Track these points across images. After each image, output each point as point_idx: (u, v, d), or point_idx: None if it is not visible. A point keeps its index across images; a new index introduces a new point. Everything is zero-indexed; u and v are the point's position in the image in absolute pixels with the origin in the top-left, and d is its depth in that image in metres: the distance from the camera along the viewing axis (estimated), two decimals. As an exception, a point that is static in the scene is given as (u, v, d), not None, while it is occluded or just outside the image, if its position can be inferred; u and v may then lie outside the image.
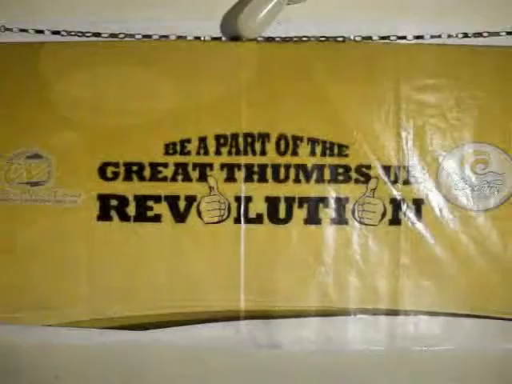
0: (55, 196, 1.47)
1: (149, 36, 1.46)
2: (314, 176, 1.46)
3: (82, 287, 1.47)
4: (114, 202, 1.47)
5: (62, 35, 1.47)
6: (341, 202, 1.46)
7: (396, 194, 1.45)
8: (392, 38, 1.45)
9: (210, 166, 1.46)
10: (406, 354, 1.47)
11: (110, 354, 1.49)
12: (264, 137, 1.46)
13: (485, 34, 1.43)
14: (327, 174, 1.46)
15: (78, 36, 1.47)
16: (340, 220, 1.46)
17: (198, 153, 1.46)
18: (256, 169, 1.46)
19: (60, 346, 1.48)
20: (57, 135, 1.48)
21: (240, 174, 1.46)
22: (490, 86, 1.45)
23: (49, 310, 1.47)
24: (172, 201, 1.47)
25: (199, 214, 1.46)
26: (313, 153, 1.46)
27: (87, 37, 1.47)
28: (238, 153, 1.46)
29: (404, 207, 1.45)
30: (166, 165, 1.46)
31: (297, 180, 1.46)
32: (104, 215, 1.47)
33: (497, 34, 1.43)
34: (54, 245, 1.47)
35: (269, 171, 1.46)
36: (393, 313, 1.46)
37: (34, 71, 1.47)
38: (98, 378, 1.50)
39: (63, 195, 1.47)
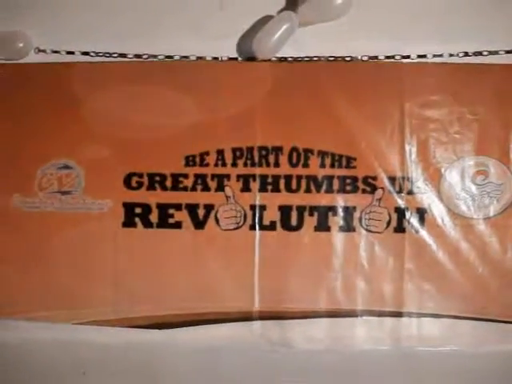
0: (84, 204, 1.52)
1: (171, 57, 1.52)
2: (324, 186, 1.50)
3: (107, 289, 1.52)
4: (138, 210, 1.51)
5: (91, 56, 1.53)
6: (348, 211, 1.50)
7: (400, 203, 1.49)
8: (397, 57, 1.50)
9: (227, 176, 1.49)
10: (410, 354, 1.49)
11: (132, 352, 1.53)
12: (277, 150, 1.50)
13: (485, 53, 1.48)
14: (336, 185, 1.49)
15: (106, 57, 1.53)
16: (348, 227, 1.49)
17: (216, 164, 1.50)
18: (270, 179, 1.50)
19: (86, 343, 1.52)
20: (86, 148, 1.53)
21: (255, 185, 1.50)
22: (490, 102, 1.48)
23: (76, 309, 1.52)
24: (192, 209, 1.50)
25: (217, 221, 1.50)
26: (323, 165, 1.49)
27: (114, 57, 1.53)
28: (253, 165, 1.50)
29: (408, 216, 1.49)
30: (186, 176, 1.50)
31: (308, 190, 1.50)
32: (129, 222, 1.51)
33: (496, 52, 1.47)
34: (82, 249, 1.52)
35: (282, 182, 1.49)
36: (397, 315, 1.49)
37: (65, 89, 1.53)
38: (122, 373, 1.54)
39: (91, 203, 1.52)
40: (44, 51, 1.54)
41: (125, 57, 1.53)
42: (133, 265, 1.52)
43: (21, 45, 1.51)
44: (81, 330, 1.52)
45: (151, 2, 1.53)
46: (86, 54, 1.53)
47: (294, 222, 1.50)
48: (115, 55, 1.53)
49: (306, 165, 1.49)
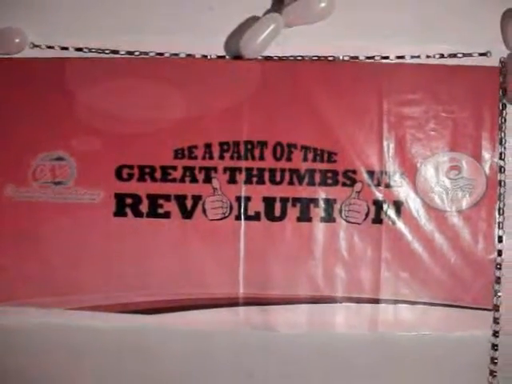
0: (76, 194, 1.54)
1: (161, 54, 1.54)
2: (306, 179, 1.52)
3: (99, 276, 1.54)
4: (128, 200, 1.53)
5: (85, 52, 1.54)
6: (329, 203, 1.52)
7: (378, 196, 1.52)
8: (376, 57, 1.52)
9: (215, 169, 1.52)
10: (386, 338, 1.53)
11: (123, 336, 1.55)
12: (262, 144, 1.52)
13: (459, 55, 1.51)
14: (318, 178, 1.52)
15: (99, 53, 1.54)
16: (328, 218, 1.52)
17: (204, 158, 1.52)
18: (255, 172, 1.52)
19: (79, 328, 1.54)
20: (78, 140, 1.54)
21: (241, 177, 1.52)
22: (464, 101, 1.51)
23: (70, 295, 1.54)
24: (180, 200, 1.53)
25: (204, 211, 1.52)
26: (305, 159, 1.52)
27: (106, 54, 1.54)
28: (239, 158, 1.52)
29: (385, 208, 1.52)
30: (175, 168, 1.52)
31: (291, 182, 1.52)
32: (120, 211, 1.53)
33: (470, 55, 1.51)
34: (75, 238, 1.54)
35: (266, 174, 1.52)
36: (375, 301, 1.52)
37: (59, 83, 1.54)
38: (113, 356, 1.56)
39: (83, 194, 1.54)
40: (39, 46, 1.55)
41: (117, 53, 1.54)
42: (124, 253, 1.53)
43: (17, 40, 1.52)
44: (74, 315, 1.54)
45: (143, 2, 1.54)
46: (79, 49, 1.54)
47: (277, 212, 1.52)
48: (107, 51, 1.54)
49: (289, 159, 1.52)
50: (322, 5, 1.41)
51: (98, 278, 1.54)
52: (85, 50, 1.55)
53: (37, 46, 1.55)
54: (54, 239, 1.55)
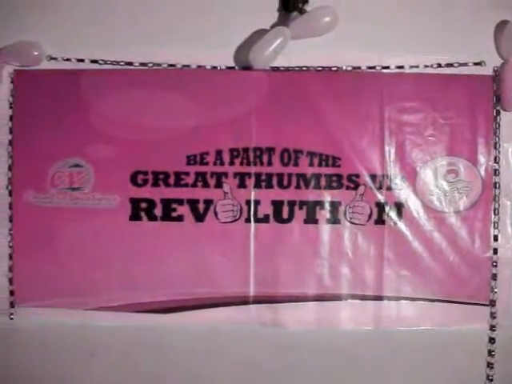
0: (93, 200, 1.56)
1: (173, 65, 1.55)
2: (312, 183, 1.55)
3: (115, 277, 1.56)
4: (143, 205, 1.56)
5: (100, 63, 1.56)
6: (334, 205, 1.55)
7: (380, 198, 1.55)
8: (377, 67, 1.55)
9: (225, 174, 1.55)
10: (389, 333, 1.56)
11: (138, 335, 1.58)
12: (270, 150, 1.55)
13: (455, 65, 1.54)
14: (323, 182, 1.55)
15: (113, 64, 1.56)
16: (334, 220, 1.55)
17: (215, 164, 1.55)
18: (264, 177, 1.55)
19: (96, 327, 1.58)
20: (94, 148, 1.56)
21: (250, 182, 1.55)
22: (460, 108, 1.54)
23: (87, 296, 1.56)
24: (193, 204, 1.55)
25: (216, 214, 1.55)
26: (311, 164, 1.54)
27: (121, 65, 1.56)
28: (248, 164, 1.55)
29: (387, 209, 1.54)
30: (187, 173, 1.55)
31: (298, 186, 1.55)
32: (135, 216, 1.56)
33: (465, 64, 1.53)
34: (92, 241, 1.56)
35: (274, 179, 1.55)
36: (378, 298, 1.55)
37: (76, 94, 1.55)
38: (129, 354, 1.60)
39: (100, 199, 1.56)
40: (56, 59, 1.56)
41: (131, 65, 1.55)
42: (139, 255, 1.56)
43: (35, 53, 1.54)
44: (90, 315, 1.57)
45: (156, 16, 1.55)
46: (94, 61, 1.56)
47: (285, 215, 1.55)
48: (122, 63, 1.56)
49: (296, 164, 1.55)
50: (327, 19, 1.44)
51: (114, 280, 1.57)
52: (100, 61, 1.56)
53: (54, 59, 1.56)
54: (72, 242, 1.56)
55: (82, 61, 1.58)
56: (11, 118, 1.59)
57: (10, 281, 1.60)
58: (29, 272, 1.58)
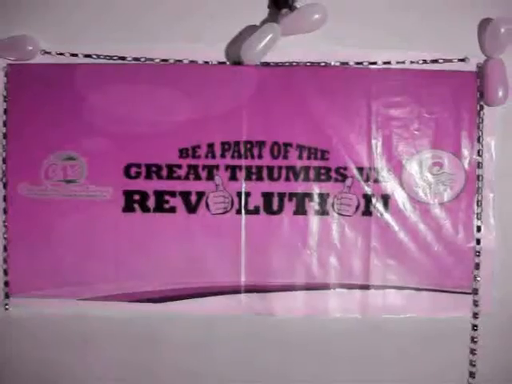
0: (87, 192, 1.58)
1: (166, 60, 1.57)
2: (301, 176, 1.58)
3: (109, 267, 1.58)
4: (136, 197, 1.58)
5: (93, 58, 1.57)
6: (323, 197, 1.58)
7: (367, 190, 1.58)
8: (365, 63, 1.57)
9: (217, 167, 1.57)
10: (376, 321, 1.60)
11: (133, 324, 1.61)
12: (261, 144, 1.57)
13: (440, 61, 1.57)
14: (312, 174, 1.57)
15: (107, 59, 1.57)
16: (322, 211, 1.58)
17: (207, 156, 1.57)
18: (254, 170, 1.57)
19: (91, 317, 1.60)
20: (88, 141, 1.57)
21: (241, 174, 1.57)
22: (445, 103, 1.57)
23: (82, 286, 1.59)
24: (185, 195, 1.58)
25: (207, 206, 1.58)
26: (300, 157, 1.57)
27: (114, 60, 1.57)
28: (239, 157, 1.57)
29: (374, 201, 1.58)
30: (180, 166, 1.57)
31: (287, 179, 1.58)
32: (128, 207, 1.58)
33: (450, 60, 1.57)
34: (86, 232, 1.58)
35: (264, 172, 1.57)
36: (365, 287, 1.59)
37: (69, 88, 1.57)
38: (124, 343, 1.62)
39: (94, 191, 1.58)
40: (49, 53, 1.57)
41: (124, 59, 1.57)
42: (132, 246, 1.58)
43: (29, 48, 1.55)
44: (86, 305, 1.59)
45: (150, 13, 1.57)
46: (88, 56, 1.57)
47: (275, 206, 1.58)
48: (115, 58, 1.57)
49: (285, 157, 1.58)
50: (316, 16, 1.47)
51: (109, 270, 1.59)
52: (93, 56, 1.57)
53: (47, 53, 1.57)
54: (66, 234, 1.58)
55: (76, 55, 1.59)
56: (5, 112, 1.60)
57: (5, 272, 1.62)
58: (23, 263, 1.60)
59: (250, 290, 1.59)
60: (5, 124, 1.60)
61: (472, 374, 1.62)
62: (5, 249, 1.61)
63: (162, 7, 1.58)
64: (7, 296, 1.62)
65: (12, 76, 1.60)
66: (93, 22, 1.58)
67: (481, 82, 1.57)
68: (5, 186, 1.60)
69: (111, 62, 1.59)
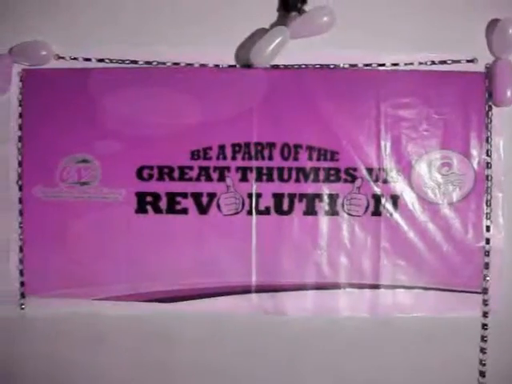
0: (101, 194, 1.61)
1: (177, 64, 1.59)
2: (311, 176, 1.59)
3: (122, 268, 1.60)
4: (149, 198, 1.60)
5: (106, 62, 1.60)
6: (333, 198, 1.59)
7: (377, 190, 1.59)
8: (373, 65, 1.58)
9: (228, 168, 1.59)
10: (386, 320, 1.61)
11: (144, 323, 1.63)
12: (271, 145, 1.59)
13: (449, 62, 1.58)
14: (322, 175, 1.59)
15: (119, 63, 1.60)
16: (332, 212, 1.59)
17: (218, 158, 1.59)
18: (265, 171, 1.59)
19: (104, 316, 1.62)
20: (102, 144, 1.60)
21: (252, 175, 1.59)
22: (453, 104, 1.57)
23: (95, 286, 1.61)
24: (197, 197, 1.60)
25: (219, 207, 1.60)
26: (310, 158, 1.58)
27: (126, 64, 1.60)
28: (250, 158, 1.59)
29: (383, 201, 1.59)
30: (191, 168, 1.59)
31: (297, 180, 1.59)
32: (141, 209, 1.60)
33: (458, 61, 1.58)
34: (100, 233, 1.60)
35: (275, 173, 1.59)
36: (375, 286, 1.59)
37: (83, 91, 1.59)
38: (134, 342, 1.64)
39: (107, 193, 1.61)
40: (63, 58, 1.60)
41: (136, 63, 1.59)
42: (145, 246, 1.60)
43: (44, 53, 1.58)
44: (99, 304, 1.62)
45: (161, 17, 1.59)
46: (101, 60, 1.60)
47: (285, 207, 1.59)
48: (127, 62, 1.60)
49: (295, 158, 1.59)
50: (324, 19, 1.48)
51: (122, 270, 1.61)
52: (106, 60, 1.60)
53: (61, 58, 1.60)
54: (80, 235, 1.61)
55: (89, 60, 1.62)
56: (21, 115, 1.63)
57: (21, 272, 1.65)
58: (39, 264, 1.63)
59: (261, 289, 1.61)
60: (20, 127, 1.63)
61: (482, 373, 1.63)
62: (21, 250, 1.64)
63: (172, 12, 1.61)
64: (23, 296, 1.65)
65: (27, 81, 1.63)
66: (105, 27, 1.61)
67: (489, 83, 1.58)
68: (20, 188, 1.63)
69: (123, 65, 1.61)
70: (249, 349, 1.65)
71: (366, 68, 1.60)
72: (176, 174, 1.61)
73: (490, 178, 1.60)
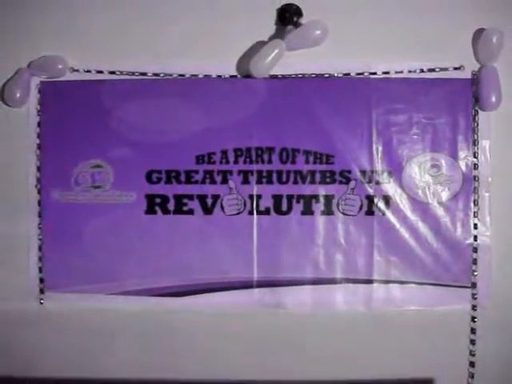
0: (113, 196, 1.70)
1: (182, 75, 1.69)
2: (308, 179, 1.66)
3: (133, 265, 1.69)
4: (157, 200, 1.68)
5: (117, 74, 1.70)
6: (328, 198, 1.66)
7: (370, 191, 1.66)
8: (366, 73, 1.66)
9: (230, 172, 1.67)
10: (379, 314, 1.67)
11: (153, 316, 1.71)
12: (270, 150, 1.66)
13: (437, 70, 1.64)
14: (318, 177, 1.66)
15: (129, 75, 1.69)
16: (328, 212, 1.66)
17: (221, 162, 1.67)
18: (265, 174, 1.66)
19: (116, 310, 1.71)
20: (114, 150, 1.70)
21: (253, 178, 1.66)
22: (441, 109, 1.64)
23: (109, 282, 1.70)
24: (202, 198, 1.68)
25: (222, 208, 1.67)
26: (307, 161, 1.65)
27: (136, 75, 1.69)
28: (251, 162, 1.67)
29: (376, 201, 1.65)
30: (197, 171, 1.67)
31: (295, 182, 1.66)
32: (150, 210, 1.69)
33: (446, 69, 1.65)
34: (113, 233, 1.69)
35: (274, 175, 1.66)
36: (369, 282, 1.66)
37: (96, 102, 1.69)
38: (146, 334, 1.72)
39: (119, 195, 1.70)
40: (78, 71, 1.71)
41: (145, 75, 1.69)
42: (154, 245, 1.68)
43: (59, 66, 1.69)
44: (112, 299, 1.70)
45: (168, 33, 1.69)
46: (112, 72, 1.70)
47: (284, 207, 1.66)
48: (137, 74, 1.69)
49: (293, 162, 1.66)
50: (318, 32, 1.57)
51: (133, 267, 1.70)
52: (117, 72, 1.70)
53: (76, 71, 1.71)
54: (94, 235, 1.70)
55: (101, 72, 1.72)
56: (39, 125, 1.74)
57: (40, 269, 1.75)
58: (56, 261, 1.73)
59: (262, 284, 1.68)
60: (38, 136, 1.74)
61: (472, 364, 1.69)
62: (39, 249, 1.74)
63: (177, 27, 1.70)
64: (42, 291, 1.75)
65: (44, 92, 1.74)
66: (116, 42, 1.72)
67: (475, 89, 1.65)
68: (39, 191, 1.73)
69: (133, 77, 1.71)
70: (249, 340, 1.71)
71: (358, 76, 1.67)
72: (182, 177, 1.69)
73: (477, 178, 1.67)
